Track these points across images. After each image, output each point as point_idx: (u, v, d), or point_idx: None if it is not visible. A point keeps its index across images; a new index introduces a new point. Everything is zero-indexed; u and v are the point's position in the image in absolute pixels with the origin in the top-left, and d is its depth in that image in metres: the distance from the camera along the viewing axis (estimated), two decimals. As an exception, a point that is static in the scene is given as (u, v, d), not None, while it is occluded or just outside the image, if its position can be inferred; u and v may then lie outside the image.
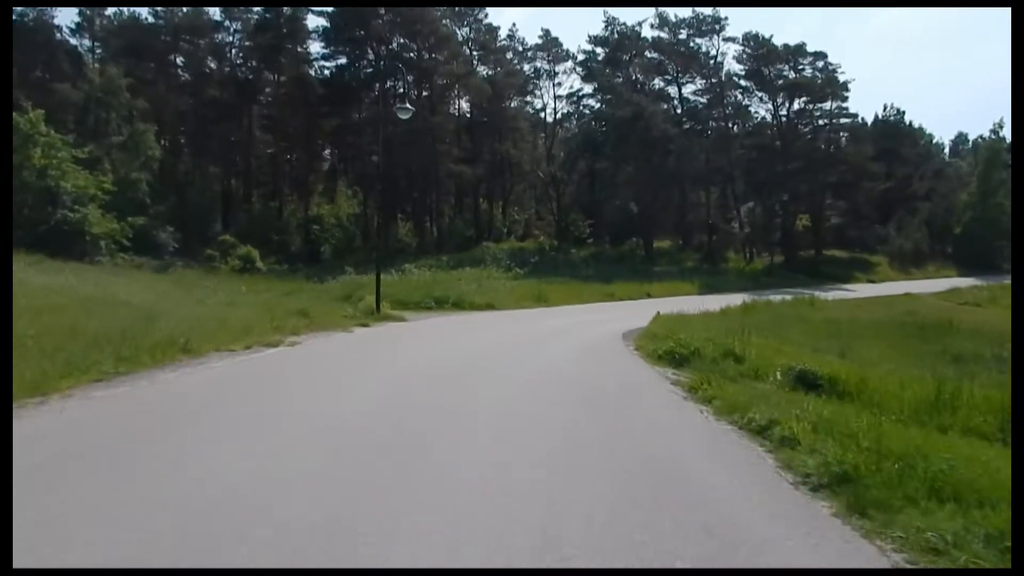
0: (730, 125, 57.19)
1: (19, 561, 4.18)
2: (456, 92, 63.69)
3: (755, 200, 57.29)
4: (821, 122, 58.54)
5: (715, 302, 31.87)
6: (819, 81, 55.14)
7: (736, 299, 33.88)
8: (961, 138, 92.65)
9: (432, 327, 21.73)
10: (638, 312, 25.90)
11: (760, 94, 55.27)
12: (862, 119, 61.98)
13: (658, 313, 22.77)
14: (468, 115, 65.53)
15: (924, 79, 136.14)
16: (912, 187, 65.15)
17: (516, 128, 67.22)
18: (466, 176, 60.62)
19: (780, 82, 56.45)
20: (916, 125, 68.22)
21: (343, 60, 60.24)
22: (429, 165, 60.21)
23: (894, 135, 65.37)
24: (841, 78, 56.14)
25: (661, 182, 59.92)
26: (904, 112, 66.40)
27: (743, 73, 57.76)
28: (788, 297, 39.07)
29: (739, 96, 58.33)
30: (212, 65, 63.61)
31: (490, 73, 63.05)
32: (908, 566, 4.54)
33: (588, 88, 60.92)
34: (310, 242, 55.33)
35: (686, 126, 57.89)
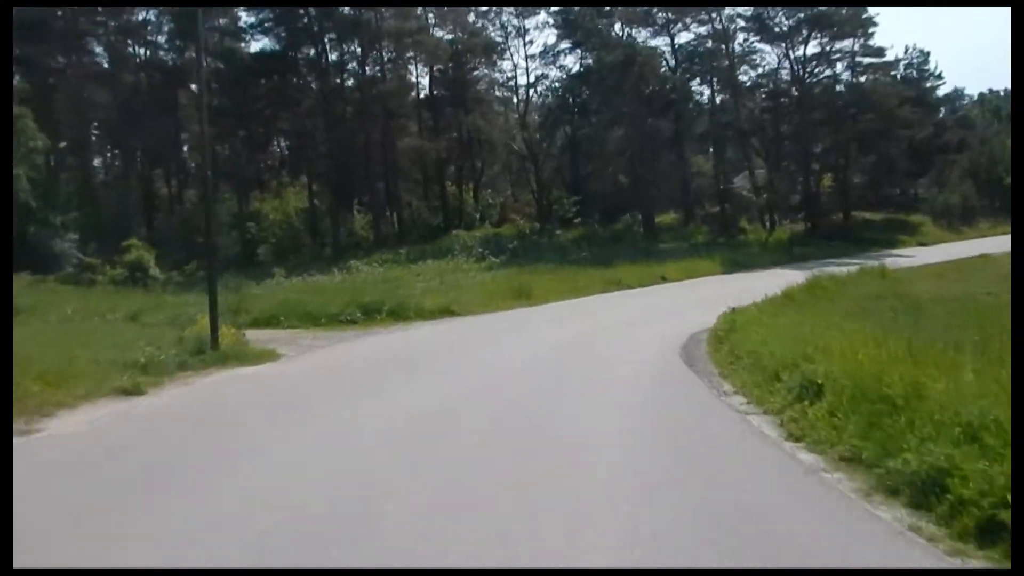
0: (737, 73, 47.81)
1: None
2: (411, 57, 54.20)
3: (770, 159, 48.04)
4: (842, 65, 49.31)
5: (758, 282, 25.30)
6: (841, 14, 45.97)
7: (778, 276, 27.52)
8: (957, 93, 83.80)
9: (278, 390, 11.86)
10: (667, 303, 17.88)
11: (774, 25, 45.85)
12: (896, 57, 52.92)
13: (732, 310, 15.74)
14: (428, 90, 56.13)
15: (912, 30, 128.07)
16: (945, 136, 56.21)
17: (484, 99, 58.05)
18: (428, 154, 51.65)
19: (792, 21, 47.19)
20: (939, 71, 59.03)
21: (278, 31, 50.48)
22: (384, 144, 51.15)
23: (919, 80, 56.39)
24: (866, 12, 46.99)
25: (659, 145, 50.89)
26: (929, 53, 57.21)
27: (748, 13, 48.40)
28: (842, 269, 30.44)
29: (746, 38, 48.90)
30: (135, 48, 54.18)
31: (449, 38, 53.67)
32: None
33: (565, 44, 51.28)
34: (245, 243, 46.24)
35: (686, 76, 48.44)
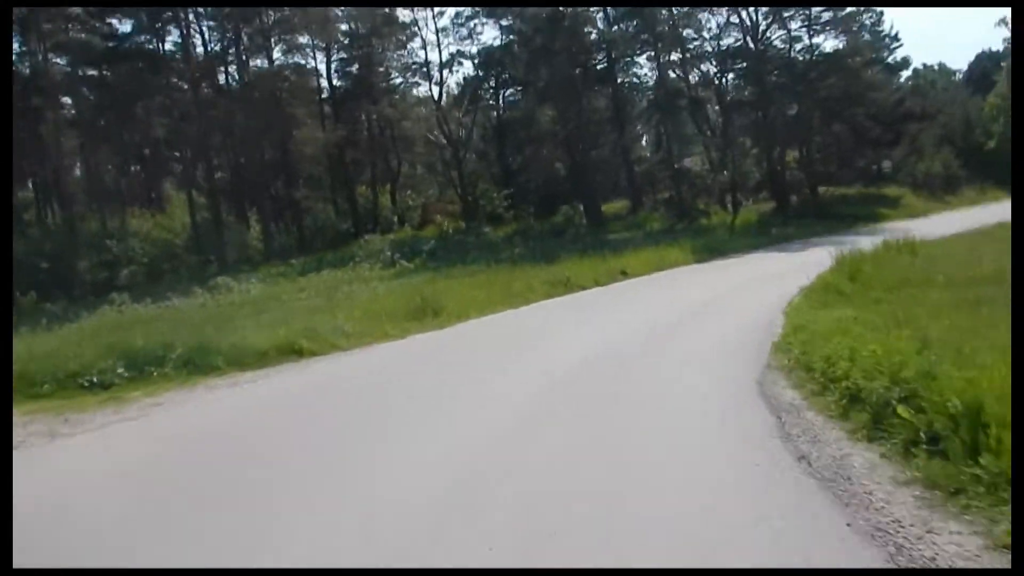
0: (681, 32, 40.95)
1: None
2: (307, 45, 46.25)
3: (727, 133, 41.44)
4: (796, 23, 42.95)
5: (748, 269, 22.99)
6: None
7: (768, 262, 24.85)
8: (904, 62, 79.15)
9: None
10: (653, 311, 14.64)
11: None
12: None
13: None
14: (327, 80, 48.28)
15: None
16: (907, 103, 50.40)
17: (394, 87, 50.51)
18: (332, 153, 43.90)
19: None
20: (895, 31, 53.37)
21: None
22: (284, 145, 43.57)
23: (875, 43, 50.54)
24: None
25: (599, 124, 43.97)
26: (883, 13, 51.40)
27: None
28: (840, 249, 23.88)
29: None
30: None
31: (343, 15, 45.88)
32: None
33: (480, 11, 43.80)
34: (106, 265, 37.76)
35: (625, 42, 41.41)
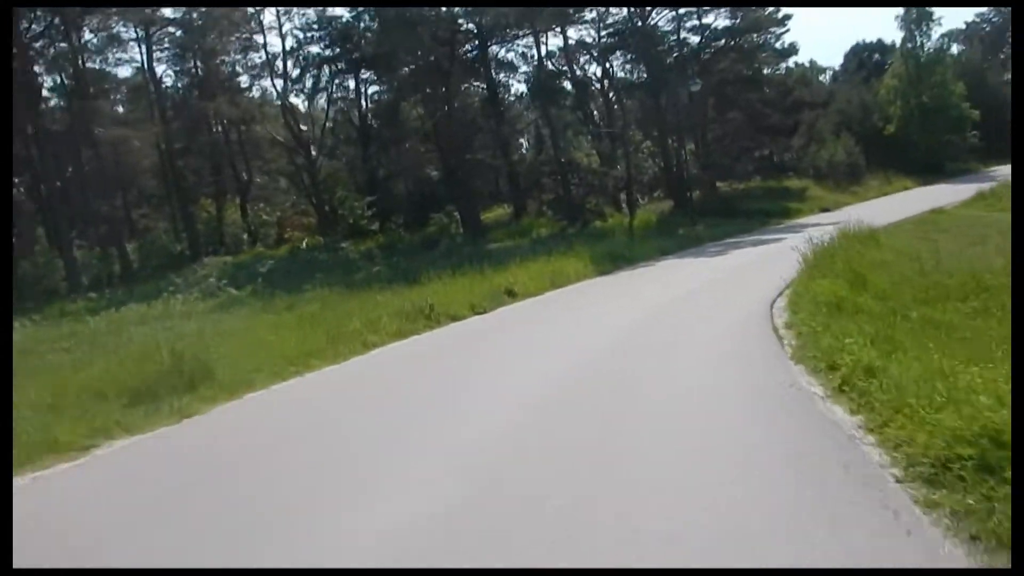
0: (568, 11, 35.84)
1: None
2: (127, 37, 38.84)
3: (616, 123, 36.69)
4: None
5: (678, 280, 18.42)
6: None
7: (693, 268, 20.88)
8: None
9: None
10: (561, 356, 9.69)
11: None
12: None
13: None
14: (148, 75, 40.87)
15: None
16: (796, 91, 47.24)
17: (234, 86, 43.60)
18: (165, 159, 36.99)
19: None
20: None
21: None
22: (91, 150, 36.28)
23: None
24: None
25: (472, 119, 38.52)
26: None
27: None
28: (766, 249, 19.57)
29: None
30: None
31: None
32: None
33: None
34: None
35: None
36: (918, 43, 45.00)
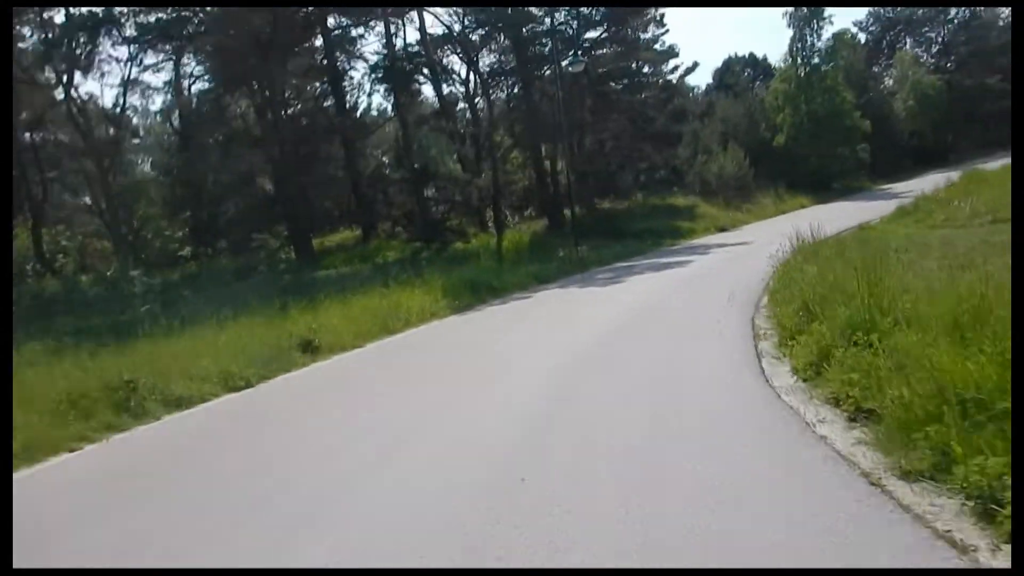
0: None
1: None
2: None
3: (481, 128, 31.17)
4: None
5: (570, 319, 13.11)
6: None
7: (590, 302, 15.52)
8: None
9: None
10: None
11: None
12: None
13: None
14: None
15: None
16: (676, 100, 43.31)
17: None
18: None
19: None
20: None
21: None
22: None
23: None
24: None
25: (315, 124, 32.31)
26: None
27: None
28: (668, 276, 13.77)
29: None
30: None
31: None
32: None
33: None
34: None
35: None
36: (808, 44, 42.05)
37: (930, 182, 38.36)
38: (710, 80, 57.91)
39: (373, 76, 33.27)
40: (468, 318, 14.27)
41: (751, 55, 56.76)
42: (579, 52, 31.36)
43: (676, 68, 38.35)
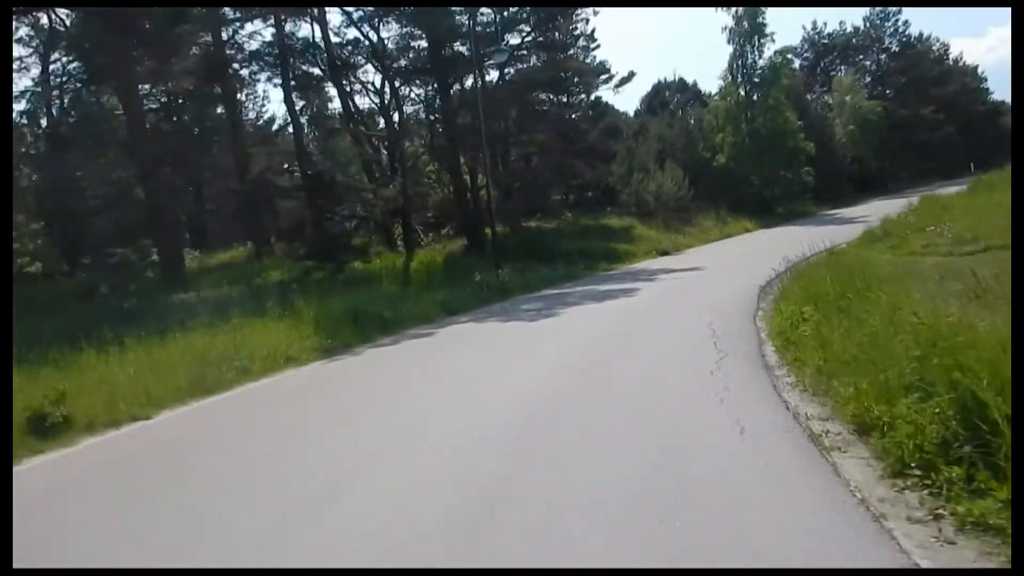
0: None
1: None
2: None
3: (392, 136, 27.18)
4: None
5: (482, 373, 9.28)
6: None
7: (514, 342, 11.70)
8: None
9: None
10: None
11: None
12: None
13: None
14: None
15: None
16: (607, 118, 40.26)
17: None
18: None
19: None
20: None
21: None
22: None
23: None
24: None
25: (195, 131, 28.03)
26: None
27: None
28: (609, 305, 9.66)
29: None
30: None
31: None
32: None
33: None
34: None
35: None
36: (750, 61, 39.44)
37: (877, 208, 36.21)
38: (638, 106, 55.44)
39: (268, 74, 28.89)
40: (333, 369, 10.10)
41: (680, 80, 54.37)
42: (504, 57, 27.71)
43: (611, 78, 34.87)
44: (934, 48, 59.78)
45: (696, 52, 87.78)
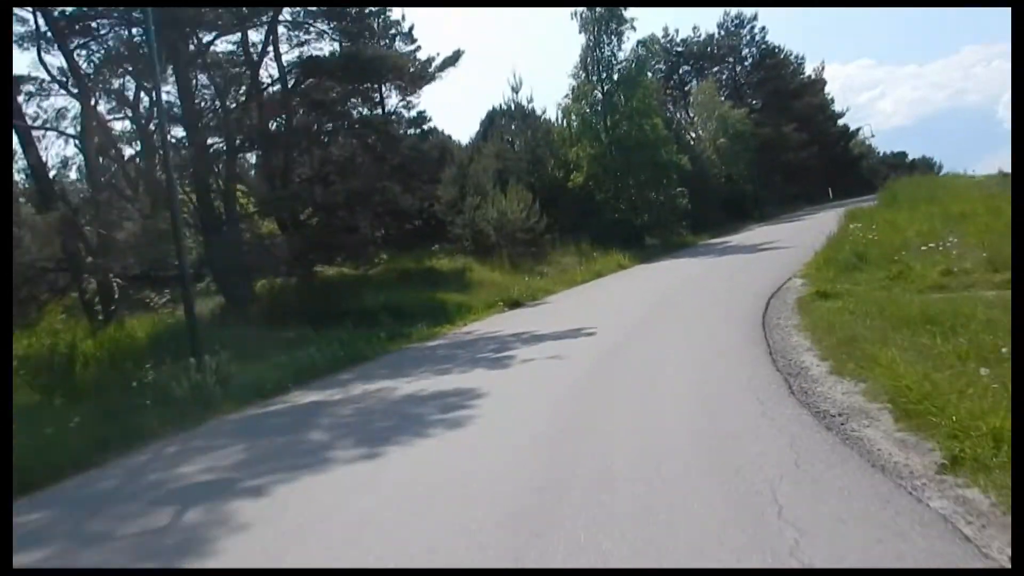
0: None
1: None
2: None
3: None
4: None
5: None
6: None
7: None
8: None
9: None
10: None
11: None
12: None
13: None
14: None
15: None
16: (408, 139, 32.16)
17: None
18: None
19: None
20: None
21: None
22: None
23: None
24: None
25: None
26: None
27: None
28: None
29: None
30: None
31: None
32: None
33: None
34: None
35: None
36: (607, 54, 32.20)
37: (767, 235, 29.84)
38: (472, 137, 47.40)
39: None
40: None
41: (517, 105, 46.99)
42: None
43: (429, 63, 26.13)
44: (791, 59, 55.86)
45: (540, 81, 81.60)
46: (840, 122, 60.94)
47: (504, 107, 34.01)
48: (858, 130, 64.65)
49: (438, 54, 25.70)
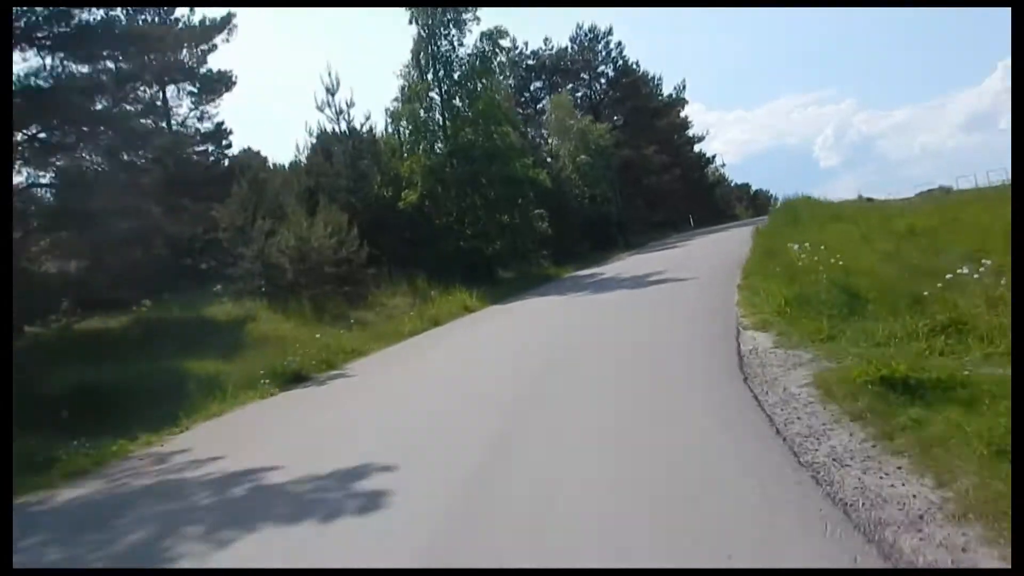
0: None
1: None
2: None
3: None
4: None
5: None
6: None
7: None
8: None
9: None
10: None
11: None
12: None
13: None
14: None
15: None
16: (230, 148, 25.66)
17: None
18: None
19: None
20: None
21: None
22: None
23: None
24: None
25: None
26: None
27: None
28: None
29: None
30: None
31: None
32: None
33: None
34: None
35: None
36: (444, 47, 26.23)
37: (639, 265, 24.95)
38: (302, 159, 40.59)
39: None
40: None
41: (350, 128, 40.54)
42: None
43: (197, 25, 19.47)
44: (650, 78, 52.22)
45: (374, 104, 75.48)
46: (696, 148, 58.42)
47: (319, 109, 27.60)
48: (714, 156, 62.63)
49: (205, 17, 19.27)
